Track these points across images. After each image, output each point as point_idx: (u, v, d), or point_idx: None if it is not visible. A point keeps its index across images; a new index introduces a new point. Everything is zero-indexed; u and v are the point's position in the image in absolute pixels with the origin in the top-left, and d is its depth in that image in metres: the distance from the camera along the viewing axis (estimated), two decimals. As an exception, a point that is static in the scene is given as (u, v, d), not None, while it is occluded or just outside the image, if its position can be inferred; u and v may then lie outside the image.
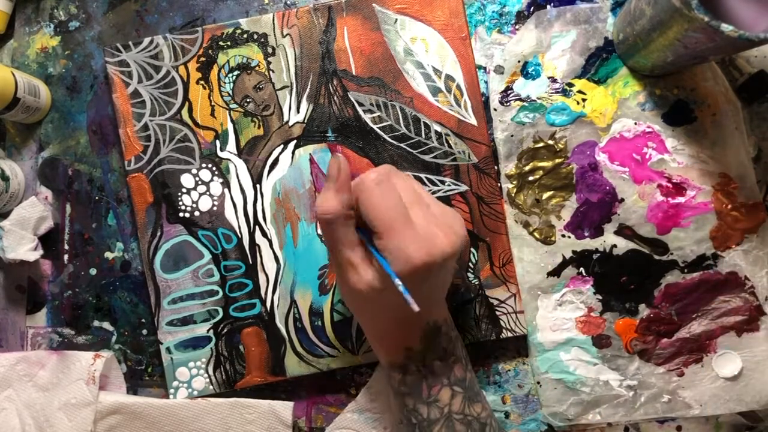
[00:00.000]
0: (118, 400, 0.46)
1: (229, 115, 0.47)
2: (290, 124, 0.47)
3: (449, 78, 0.47)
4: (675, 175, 0.46)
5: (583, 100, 0.47)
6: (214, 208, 0.47)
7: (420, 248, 0.34)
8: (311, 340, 0.47)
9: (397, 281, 0.34)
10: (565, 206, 0.47)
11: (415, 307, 0.33)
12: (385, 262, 0.34)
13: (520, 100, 0.47)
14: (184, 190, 0.47)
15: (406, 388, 0.38)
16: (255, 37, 0.47)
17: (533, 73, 0.47)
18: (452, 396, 0.37)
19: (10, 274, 0.50)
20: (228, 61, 0.47)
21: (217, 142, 0.47)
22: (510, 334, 0.46)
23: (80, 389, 0.46)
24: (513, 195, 0.47)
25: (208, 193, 0.47)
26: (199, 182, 0.47)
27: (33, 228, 0.48)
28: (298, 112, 0.47)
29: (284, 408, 0.47)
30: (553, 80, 0.47)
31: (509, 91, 0.47)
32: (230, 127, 0.47)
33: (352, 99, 0.47)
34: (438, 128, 0.47)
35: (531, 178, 0.47)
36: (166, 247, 0.47)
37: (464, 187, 0.47)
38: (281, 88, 0.47)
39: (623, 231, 0.46)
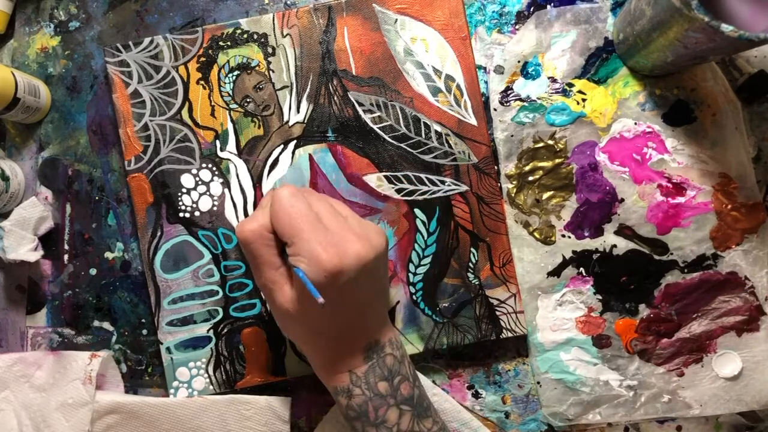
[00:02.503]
0: (115, 399, 0.46)
1: (229, 115, 0.47)
2: (290, 124, 0.47)
3: (449, 78, 0.47)
4: (675, 175, 0.46)
5: (583, 100, 0.47)
6: (215, 208, 0.47)
7: (330, 250, 0.33)
8: (311, 340, 0.47)
9: (300, 273, 0.33)
10: (565, 206, 0.47)
11: (321, 300, 0.32)
12: (299, 270, 0.34)
13: (520, 100, 0.47)
14: (184, 190, 0.47)
15: (353, 413, 0.37)
16: (255, 37, 0.47)
17: (533, 73, 0.47)
18: (400, 415, 0.37)
19: (10, 274, 0.50)
20: (228, 61, 0.47)
21: (217, 142, 0.47)
22: (510, 334, 0.46)
23: (77, 389, 0.46)
24: (513, 195, 0.47)
25: (208, 193, 0.47)
26: (199, 182, 0.47)
27: (33, 228, 0.48)
28: (298, 112, 0.47)
29: (282, 404, 0.46)
30: (553, 80, 0.47)
31: (509, 91, 0.47)
32: (230, 127, 0.47)
33: (352, 99, 0.47)
34: (438, 128, 0.47)
35: (531, 178, 0.47)
36: (166, 247, 0.47)
37: (464, 187, 0.47)
38: (281, 88, 0.47)
39: (623, 231, 0.46)
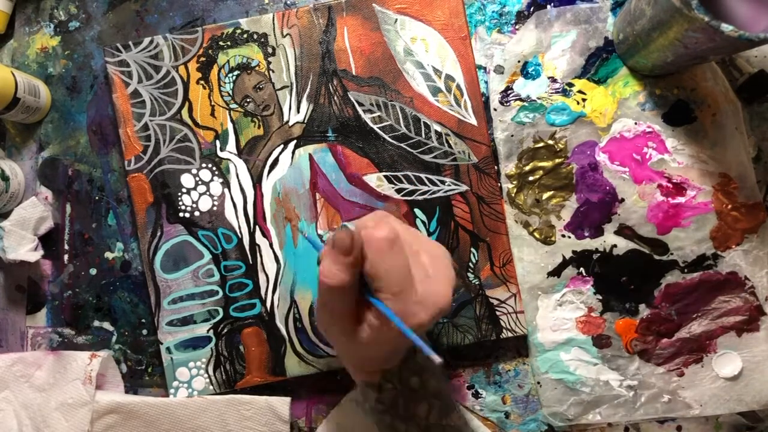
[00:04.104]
0: (114, 399, 0.46)
1: (229, 115, 0.47)
2: (290, 124, 0.47)
3: (449, 78, 0.47)
4: (675, 175, 0.46)
5: (583, 100, 0.47)
6: (214, 208, 0.47)
7: (424, 310, 0.34)
8: (311, 340, 0.47)
9: (419, 342, 0.33)
10: (565, 206, 0.47)
11: (437, 359, 0.32)
12: (398, 320, 0.33)
13: (520, 100, 0.47)
14: (184, 190, 0.47)
15: (382, 406, 0.37)
16: (255, 37, 0.47)
17: (533, 73, 0.47)
18: (429, 409, 0.37)
19: (10, 274, 0.50)
20: (228, 61, 0.47)
21: (217, 142, 0.47)
22: (510, 334, 0.46)
23: (77, 389, 0.46)
24: (513, 195, 0.47)
25: (208, 193, 0.47)
26: (199, 182, 0.47)
27: (33, 228, 0.48)
28: (298, 112, 0.47)
29: (281, 403, 0.47)
30: (553, 80, 0.47)
31: (509, 91, 0.47)
32: (230, 127, 0.47)
33: (352, 99, 0.47)
34: (438, 128, 0.47)
35: (531, 178, 0.47)
36: (166, 247, 0.47)
37: (464, 187, 0.47)
38: (281, 88, 0.47)
39: (623, 231, 0.46)
